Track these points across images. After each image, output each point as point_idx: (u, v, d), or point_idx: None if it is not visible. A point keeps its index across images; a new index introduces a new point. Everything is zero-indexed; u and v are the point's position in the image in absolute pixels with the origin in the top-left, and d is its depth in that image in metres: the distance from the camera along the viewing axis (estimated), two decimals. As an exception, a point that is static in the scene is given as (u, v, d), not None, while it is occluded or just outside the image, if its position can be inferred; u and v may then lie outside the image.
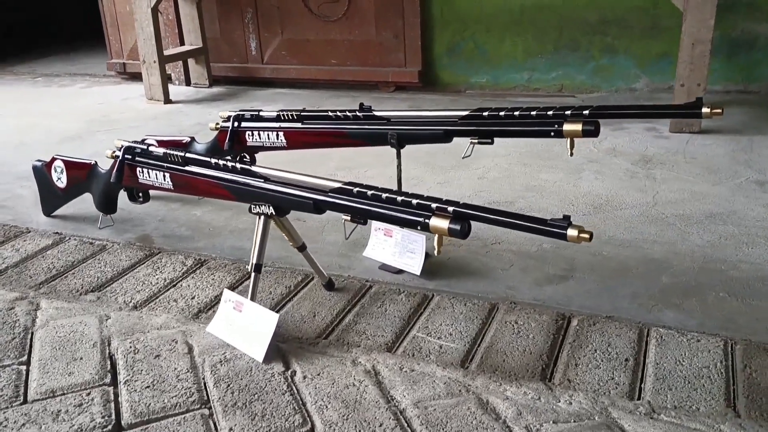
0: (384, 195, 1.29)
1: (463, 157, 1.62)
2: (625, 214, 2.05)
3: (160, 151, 1.72)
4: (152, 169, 1.74)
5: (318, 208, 1.39)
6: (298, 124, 1.85)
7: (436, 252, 1.23)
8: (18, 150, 3.01)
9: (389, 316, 1.57)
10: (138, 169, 1.78)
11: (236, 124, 1.96)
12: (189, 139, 2.15)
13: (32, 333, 1.57)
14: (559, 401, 1.27)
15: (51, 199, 2.17)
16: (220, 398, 1.32)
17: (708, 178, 2.29)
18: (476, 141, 1.60)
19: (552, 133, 1.49)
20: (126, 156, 1.80)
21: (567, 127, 1.48)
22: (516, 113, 1.54)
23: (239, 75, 4.20)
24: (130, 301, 1.69)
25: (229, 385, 1.35)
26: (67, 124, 3.43)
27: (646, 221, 1.99)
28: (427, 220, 1.22)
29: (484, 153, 2.60)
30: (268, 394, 1.32)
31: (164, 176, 1.71)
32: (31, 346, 1.52)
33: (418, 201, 1.24)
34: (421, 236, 1.75)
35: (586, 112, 1.50)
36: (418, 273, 1.73)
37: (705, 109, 1.45)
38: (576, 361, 1.38)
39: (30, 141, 3.15)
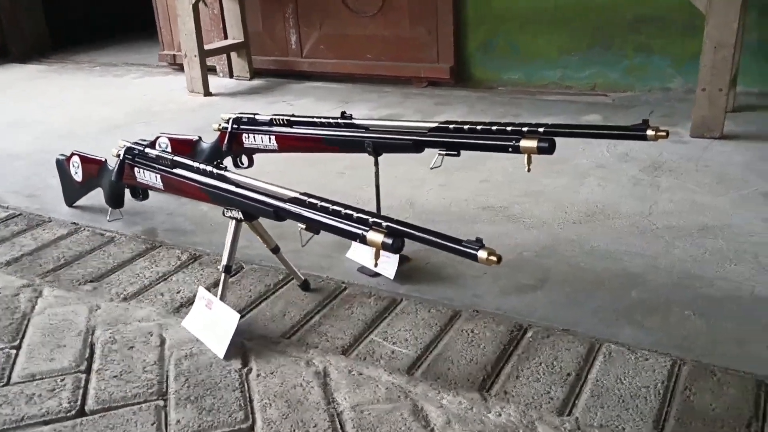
0: (331, 207, 1.35)
1: (431, 168, 1.66)
2: (616, 223, 2.04)
3: (154, 153, 1.83)
4: (147, 170, 1.85)
5: (278, 215, 1.47)
6: (288, 129, 1.93)
7: (373, 265, 1.28)
8: (64, 139, 3.19)
9: (353, 318, 1.64)
10: (136, 168, 1.89)
11: (235, 126, 2.05)
12: (197, 138, 2.26)
13: (29, 319, 1.71)
14: (490, 412, 1.31)
15: (71, 191, 2.33)
16: (176, 391, 1.41)
17: (714, 188, 2.24)
18: (444, 153, 1.63)
19: (510, 149, 1.51)
20: (126, 156, 1.91)
21: (524, 143, 1.49)
22: (479, 127, 1.57)
23: (280, 68, 4.30)
24: (122, 293, 1.81)
25: (187, 379, 1.45)
26: (113, 114, 3.62)
27: (635, 232, 1.98)
28: (365, 233, 1.27)
29: (496, 155, 2.61)
30: (220, 390, 1.41)
31: (156, 177, 1.82)
32: (25, 331, 1.66)
33: (358, 215, 1.30)
34: (395, 241, 1.80)
35: (541, 129, 1.52)
36: (392, 277, 1.78)
37: (650, 132, 1.45)
38: (518, 373, 1.41)
39: (77, 130, 3.34)
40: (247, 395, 1.39)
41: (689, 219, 2.03)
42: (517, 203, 2.22)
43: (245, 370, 1.47)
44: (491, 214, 2.15)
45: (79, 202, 2.37)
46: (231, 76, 4.36)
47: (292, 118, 1.93)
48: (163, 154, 1.79)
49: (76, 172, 2.24)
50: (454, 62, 3.81)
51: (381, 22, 3.92)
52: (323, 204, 1.37)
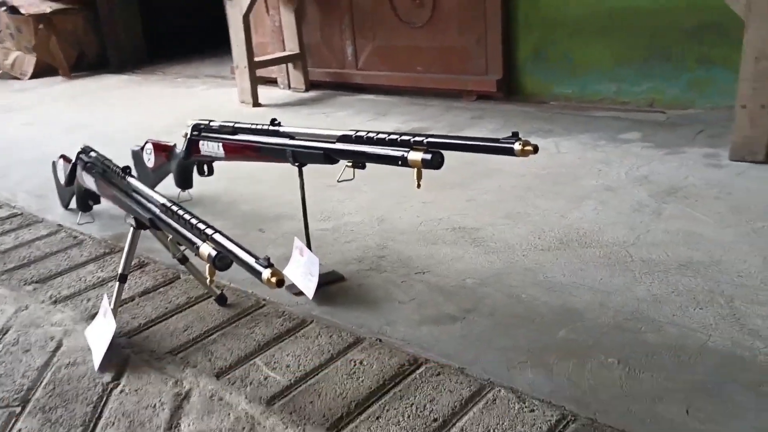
0: (192, 220, 1.26)
1: (338, 181, 1.53)
2: (588, 253, 1.80)
3: (98, 163, 1.82)
4: (89, 175, 1.85)
5: (154, 224, 1.40)
6: (231, 137, 1.87)
7: (208, 281, 1.19)
8: (102, 144, 3.28)
9: (250, 339, 1.54)
10: (83, 173, 1.90)
11: (195, 132, 2.02)
12: (173, 144, 2.26)
13: (-41, 315, 1.75)
14: (324, 456, 1.16)
15: (63, 192, 2.40)
16: (37, 400, 1.38)
17: (725, 218, 1.94)
18: (350, 164, 1.50)
19: (399, 162, 1.35)
20: (78, 161, 1.94)
21: (411, 156, 1.33)
22: (375, 137, 1.42)
23: (336, 80, 4.28)
24: (56, 296, 1.82)
25: (54, 388, 1.41)
26: (160, 123, 3.72)
27: (604, 264, 1.74)
28: (199, 246, 1.18)
29: (502, 172, 2.44)
30: (76, 403, 1.36)
31: (93, 181, 1.82)
32: (-52, 327, 1.70)
33: (197, 226, 1.21)
34: (317, 259, 1.69)
35: (426, 141, 1.35)
36: (311, 297, 1.66)
37: (517, 146, 1.24)
38: (381, 414, 1.25)
39: (120, 138, 3.45)
40: (99, 412, 1.33)
41: (675, 252, 1.76)
42: (492, 225, 2.03)
43: (112, 384, 1.42)
44: (457, 236, 1.97)
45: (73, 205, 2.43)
46: (290, 87, 4.39)
47: (237, 125, 1.86)
48: (109, 165, 1.78)
49: (62, 174, 2.30)
50: (503, 74, 3.61)
51: (430, 32, 3.80)
52: (188, 216, 1.28)
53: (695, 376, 1.28)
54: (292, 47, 4.22)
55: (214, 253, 1.14)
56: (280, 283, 1.01)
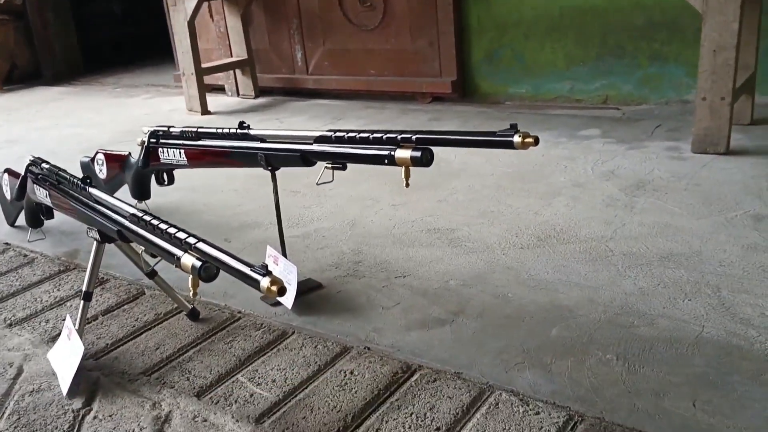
0: (170, 229, 1.17)
1: (317, 183, 1.46)
2: (568, 249, 1.78)
3: (52, 175, 1.70)
4: (41, 188, 1.73)
5: (122, 236, 1.31)
6: (194, 142, 1.77)
7: (191, 294, 1.10)
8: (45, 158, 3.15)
9: (229, 354, 1.45)
10: (35, 186, 1.78)
11: (153, 140, 1.91)
12: (127, 154, 2.14)
13: None
14: (325, 475, 1.09)
15: (8, 209, 2.25)
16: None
17: (697, 209, 1.94)
18: (330, 165, 1.43)
19: (386, 160, 1.29)
20: (29, 173, 1.81)
21: (399, 153, 1.28)
22: (358, 137, 1.36)
23: (287, 86, 4.19)
24: (10, 318, 1.69)
25: (19, 419, 1.30)
26: (104, 134, 3.57)
27: (587, 259, 1.71)
28: (179, 258, 1.09)
29: (469, 172, 2.41)
30: (44, 433, 1.25)
31: (46, 194, 1.70)
32: None
33: (180, 236, 1.12)
34: (294, 267, 1.61)
35: (414, 137, 1.30)
36: (290, 307, 1.58)
37: (516, 138, 1.20)
38: (380, 426, 1.19)
39: (61, 150, 3.30)
40: (71, 441, 1.22)
41: (654, 245, 1.75)
42: (468, 225, 1.99)
43: (84, 410, 1.31)
44: (433, 237, 1.92)
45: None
46: (238, 94, 4.28)
47: (200, 131, 1.77)
48: (62, 175, 1.66)
49: (7, 190, 2.16)
50: (457, 76, 3.59)
51: (382, 35, 3.75)
52: (160, 223, 1.19)
53: (695, 369, 1.26)
54: (239, 53, 4.12)
55: (198, 263, 1.05)
56: (282, 291, 0.93)
